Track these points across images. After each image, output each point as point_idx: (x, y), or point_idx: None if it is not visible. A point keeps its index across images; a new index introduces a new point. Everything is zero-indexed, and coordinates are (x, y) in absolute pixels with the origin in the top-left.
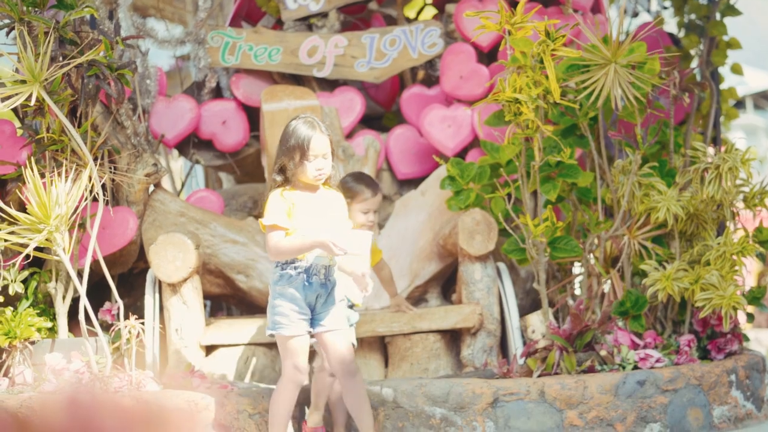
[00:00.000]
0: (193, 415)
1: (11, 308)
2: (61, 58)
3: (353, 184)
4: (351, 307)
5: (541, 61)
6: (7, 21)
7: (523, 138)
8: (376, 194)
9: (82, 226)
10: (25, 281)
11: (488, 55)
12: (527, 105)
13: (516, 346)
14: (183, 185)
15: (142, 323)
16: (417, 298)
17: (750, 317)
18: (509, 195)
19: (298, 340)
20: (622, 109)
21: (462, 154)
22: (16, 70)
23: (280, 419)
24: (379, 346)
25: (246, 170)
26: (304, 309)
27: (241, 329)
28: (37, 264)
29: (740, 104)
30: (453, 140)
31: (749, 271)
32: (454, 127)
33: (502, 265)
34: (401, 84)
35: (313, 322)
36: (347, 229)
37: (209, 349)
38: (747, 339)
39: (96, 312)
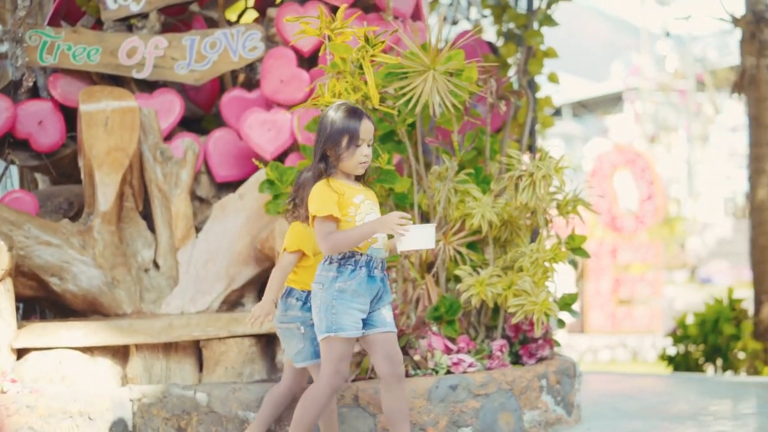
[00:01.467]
0: (3, 419)
1: None
2: None
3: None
4: None
5: (361, 67)
6: None
7: None
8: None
9: None
10: None
11: (309, 60)
12: None
13: None
14: None
15: None
16: (233, 302)
17: (561, 323)
18: None
19: (352, 343)
20: (440, 116)
21: (281, 158)
22: None
23: (309, 428)
24: (194, 350)
25: (62, 171)
26: (367, 307)
27: (54, 333)
28: None
29: (559, 112)
30: (272, 144)
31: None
32: (273, 130)
33: None
34: (221, 87)
35: (364, 322)
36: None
37: (21, 352)
38: (558, 344)
39: None
